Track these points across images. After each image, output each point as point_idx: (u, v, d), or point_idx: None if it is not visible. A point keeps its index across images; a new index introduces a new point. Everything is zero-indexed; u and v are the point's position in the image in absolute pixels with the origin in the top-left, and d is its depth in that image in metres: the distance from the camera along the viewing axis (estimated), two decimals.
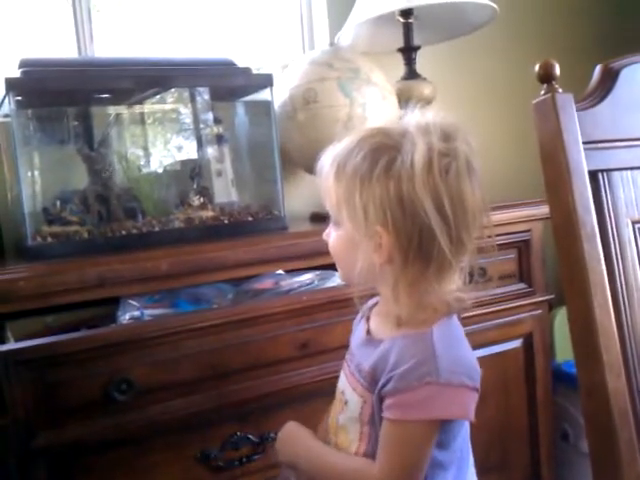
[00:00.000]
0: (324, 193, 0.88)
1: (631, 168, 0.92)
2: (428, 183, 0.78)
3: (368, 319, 0.94)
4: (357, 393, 0.87)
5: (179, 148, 1.54)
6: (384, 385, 0.81)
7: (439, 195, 0.78)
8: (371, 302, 0.97)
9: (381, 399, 0.83)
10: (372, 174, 0.80)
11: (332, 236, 0.90)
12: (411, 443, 0.81)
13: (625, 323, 0.87)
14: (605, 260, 0.86)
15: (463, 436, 0.87)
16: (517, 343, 1.65)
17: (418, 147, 0.78)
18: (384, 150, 0.81)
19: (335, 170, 0.84)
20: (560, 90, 0.87)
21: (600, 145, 0.89)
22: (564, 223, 0.86)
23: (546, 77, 0.87)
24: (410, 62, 1.77)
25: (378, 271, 0.84)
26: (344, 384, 0.92)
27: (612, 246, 0.88)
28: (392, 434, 0.81)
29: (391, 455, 0.81)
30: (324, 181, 0.87)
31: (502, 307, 1.61)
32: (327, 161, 0.87)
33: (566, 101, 0.87)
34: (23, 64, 1.28)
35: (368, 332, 0.92)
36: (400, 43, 1.77)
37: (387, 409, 0.81)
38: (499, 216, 1.57)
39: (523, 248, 1.64)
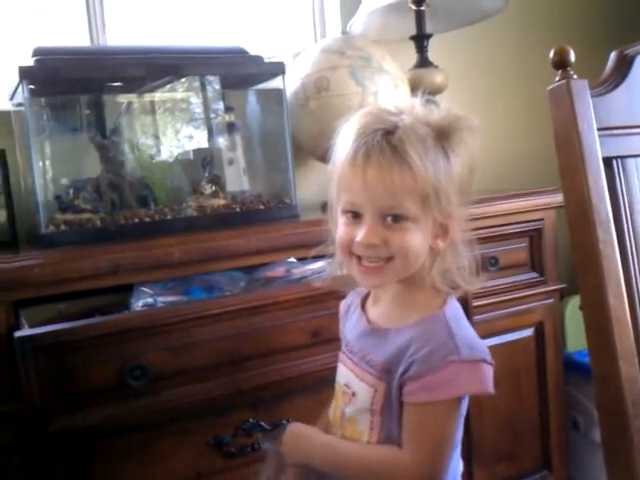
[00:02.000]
0: (388, 188, 0.79)
1: None
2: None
3: (363, 309, 0.94)
4: (366, 383, 0.87)
5: (191, 136, 1.55)
6: (405, 371, 0.82)
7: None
8: (359, 292, 0.97)
9: (401, 386, 0.83)
10: (449, 157, 0.81)
11: (400, 235, 0.81)
12: (440, 423, 0.81)
13: (639, 311, 0.87)
14: (619, 247, 0.86)
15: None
16: (528, 332, 1.65)
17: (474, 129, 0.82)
18: (449, 131, 0.81)
19: (409, 158, 0.78)
20: (575, 76, 0.87)
21: (615, 132, 0.88)
22: (578, 210, 0.85)
23: (561, 63, 0.87)
24: (422, 50, 1.77)
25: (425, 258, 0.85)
26: (347, 376, 0.92)
27: (626, 233, 0.87)
28: (420, 417, 0.82)
29: (421, 438, 0.82)
30: (394, 177, 0.78)
31: (513, 296, 1.61)
32: (408, 147, 0.78)
33: (581, 87, 0.86)
34: (36, 53, 1.28)
35: (368, 322, 0.91)
36: (412, 31, 1.76)
37: (411, 394, 0.82)
38: (512, 204, 1.57)
39: (535, 237, 1.63)
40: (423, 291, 0.86)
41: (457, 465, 0.92)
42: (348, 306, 0.99)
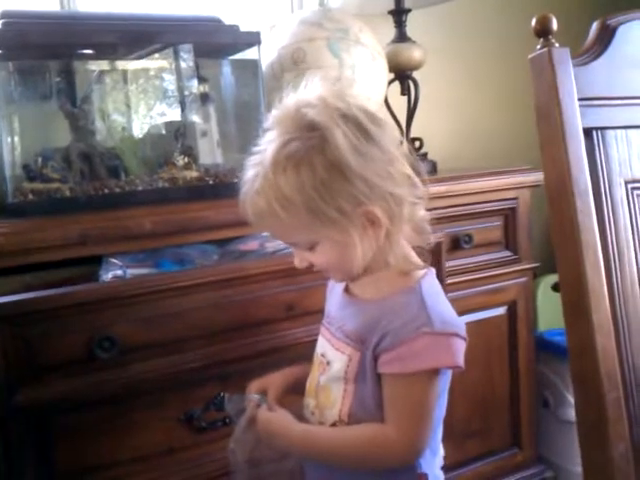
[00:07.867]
0: (276, 233, 0.89)
1: (625, 127, 0.91)
2: (356, 151, 0.79)
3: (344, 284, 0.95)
4: (341, 352, 0.88)
5: (164, 107, 1.51)
6: (379, 342, 0.82)
7: (365, 156, 0.80)
8: None
9: (376, 358, 0.83)
10: (321, 179, 0.78)
11: (315, 257, 0.86)
12: (416, 395, 0.82)
13: (615, 283, 0.87)
14: (597, 219, 0.86)
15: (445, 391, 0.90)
16: (501, 310, 1.66)
17: (336, 133, 0.78)
18: (309, 152, 0.79)
19: (280, 207, 0.80)
20: (557, 45, 0.86)
21: (595, 102, 0.87)
22: (557, 181, 0.85)
23: (543, 31, 0.86)
24: (401, 25, 1.75)
25: (377, 245, 0.84)
26: (324, 346, 0.93)
27: (604, 205, 0.87)
28: (396, 389, 0.82)
29: (400, 411, 0.82)
30: (272, 224, 0.85)
31: (487, 274, 1.61)
32: (262, 207, 0.82)
33: (562, 55, 0.85)
34: (3, 15, 1.24)
35: (348, 293, 0.93)
36: (391, 5, 1.74)
37: (385, 365, 0.82)
38: (486, 183, 1.57)
39: (510, 215, 1.64)
40: (392, 269, 0.86)
41: (438, 445, 0.92)
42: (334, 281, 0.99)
